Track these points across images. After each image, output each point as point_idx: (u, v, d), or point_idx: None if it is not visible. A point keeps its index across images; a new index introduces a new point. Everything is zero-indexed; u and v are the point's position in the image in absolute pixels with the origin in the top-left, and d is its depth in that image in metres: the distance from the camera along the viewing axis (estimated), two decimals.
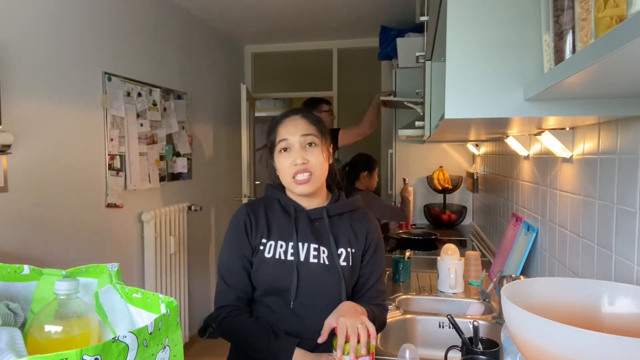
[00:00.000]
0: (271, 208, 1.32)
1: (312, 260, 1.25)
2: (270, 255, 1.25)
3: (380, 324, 1.30)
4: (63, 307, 0.67)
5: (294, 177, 1.24)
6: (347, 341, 1.07)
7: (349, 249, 1.29)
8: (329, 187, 1.37)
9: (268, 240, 1.27)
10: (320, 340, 1.11)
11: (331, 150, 1.32)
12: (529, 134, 1.67)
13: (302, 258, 1.25)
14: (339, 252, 1.28)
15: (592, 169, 1.18)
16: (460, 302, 1.82)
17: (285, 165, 1.26)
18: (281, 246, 1.26)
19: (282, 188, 1.35)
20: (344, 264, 1.27)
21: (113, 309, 0.71)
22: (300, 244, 1.26)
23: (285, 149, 1.26)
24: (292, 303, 1.23)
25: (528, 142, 1.78)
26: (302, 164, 1.23)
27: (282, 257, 1.24)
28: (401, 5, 3.62)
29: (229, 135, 4.51)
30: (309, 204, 1.31)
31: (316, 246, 1.26)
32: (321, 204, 1.33)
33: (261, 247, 1.27)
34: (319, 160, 1.25)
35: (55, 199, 2.40)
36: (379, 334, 1.39)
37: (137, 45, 3.09)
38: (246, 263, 1.27)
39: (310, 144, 1.26)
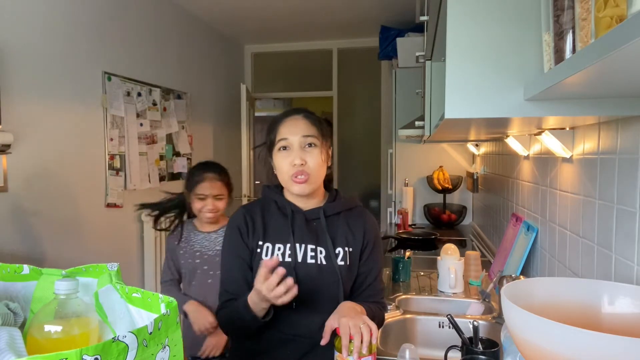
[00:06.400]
0: (268, 210, 1.32)
1: (309, 261, 1.25)
2: (268, 258, 1.25)
3: (378, 321, 1.30)
4: (63, 307, 0.67)
5: (291, 177, 1.24)
6: (349, 341, 1.06)
7: (346, 248, 1.29)
8: (326, 187, 1.37)
9: (265, 242, 1.27)
10: (323, 342, 1.11)
11: (330, 152, 1.32)
12: (529, 134, 1.67)
13: (299, 259, 1.25)
14: (337, 251, 1.27)
15: (592, 169, 1.18)
16: (460, 302, 1.82)
17: (284, 165, 1.25)
18: (279, 249, 1.26)
19: (279, 189, 1.34)
20: (342, 263, 1.27)
21: (113, 309, 0.71)
22: (297, 245, 1.26)
23: (284, 148, 1.26)
24: (294, 304, 1.23)
25: (528, 142, 1.78)
26: (300, 165, 1.23)
27: (280, 260, 1.24)
28: (401, 5, 3.62)
29: (229, 135, 4.51)
30: (306, 205, 1.31)
31: (313, 247, 1.26)
32: (318, 204, 1.32)
33: (258, 250, 1.27)
34: (317, 162, 1.25)
35: (55, 198, 2.40)
36: (378, 333, 1.39)
37: (137, 45, 3.08)
38: (244, 266, 1.28)
39: (309, 145, 1.25)
